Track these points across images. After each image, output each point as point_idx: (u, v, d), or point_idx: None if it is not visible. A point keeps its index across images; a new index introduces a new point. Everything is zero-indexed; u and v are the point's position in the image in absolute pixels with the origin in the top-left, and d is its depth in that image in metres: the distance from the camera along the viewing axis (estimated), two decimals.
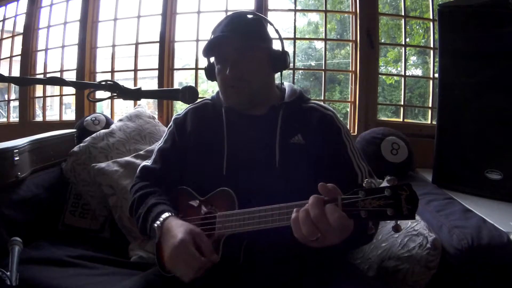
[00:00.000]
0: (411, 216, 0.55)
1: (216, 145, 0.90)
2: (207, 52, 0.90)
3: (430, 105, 1.88)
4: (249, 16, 0.94)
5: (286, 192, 0.82)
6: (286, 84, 1.01)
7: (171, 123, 1.02)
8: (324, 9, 2.02)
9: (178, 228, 0.77)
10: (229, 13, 0.96)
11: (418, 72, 6.00)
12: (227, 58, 0.88)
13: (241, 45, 0.87)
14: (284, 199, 0.74)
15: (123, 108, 3.13)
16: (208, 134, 0.93)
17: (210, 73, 0.96)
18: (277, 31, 0.96)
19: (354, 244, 0.89)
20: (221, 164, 0.88)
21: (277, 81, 1.00)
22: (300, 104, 0.95)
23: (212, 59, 0.95)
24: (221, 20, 0.92)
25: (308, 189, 0.82)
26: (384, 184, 0.58)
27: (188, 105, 1.01)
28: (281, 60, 0.91)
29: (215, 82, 0.96)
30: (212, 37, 0.90)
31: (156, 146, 1.03)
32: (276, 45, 0.95)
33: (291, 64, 1.98)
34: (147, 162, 1.01)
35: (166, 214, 0.82)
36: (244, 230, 0.75)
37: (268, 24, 0.98)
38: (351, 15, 1.90)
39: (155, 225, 0.81)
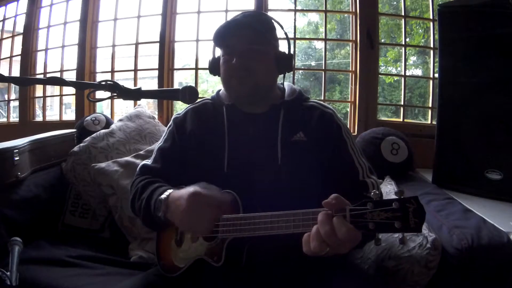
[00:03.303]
0: (418, 229, 0.56)
1: (217, 143, 0.90)
2: (219, 37, 0.90)
3: (430, 105, 1.88)
4: (262, 15, 0.96)
5: (288, 189, 0.82)
6: (285, 84, 1.01)
7: (170, 122, 1.02)
8: (324, 9, 2.02)
9: (184, 189, 0.78)
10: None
11: (418, 72, 6.00)
12: (237, 48, 0.88)
13: (253, 38, 0.88)
14: (286, 197, 0.75)
15: (123, 108, 3.13)
16: (209, 133, 0.93)
17: (214, 67, 0.96)
18: (286, 34, 0.97)
19: (357, 248, 0.89)
20: (222, 162, 0.88)
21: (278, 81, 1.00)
22: (300, 102, 0.96)
23: (217, 54, 0.96)
24: (237, 14, 0.93)
25: (310, 186, 0.82)
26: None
27: (188, 105, 1.01)
28: (286, 62, 0.92)
29: (215, 82, 0.96)
30: (227, 21, 0.89)
31: (156, 145, 1.03)
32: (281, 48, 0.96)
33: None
34: (147, 161, 1.01)
35: (170, 190, 0.82)
36: (248, 235, 0.74)
37: (278, 26, 0.99)
38: (351, 15, 1.90)
39: (161, 197, 0.81)
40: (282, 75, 0.96)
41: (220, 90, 1.02)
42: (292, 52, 0.94)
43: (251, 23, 0.89)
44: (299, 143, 0.88)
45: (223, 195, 0.77)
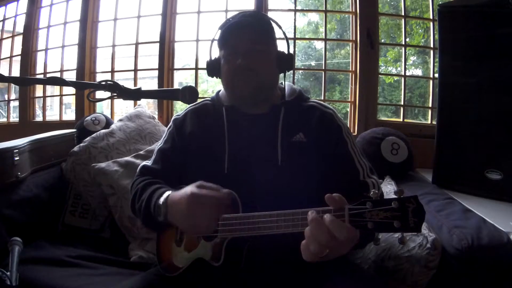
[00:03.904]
0: (417, 229, 0.56)
1: (217, 144, 0.90)
2: (225, 38, 0.90)
3: (430, 105, 1.88)
4: (262, 15, 0.96)
5: (289, 190, 0.82)
6: (286, 84, 1.01)
7: (170, 123, 1.02)
8: (324, 9, 2.02)
9: (182, 191, 0.77)
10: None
11: (418, 72, 6.01)
12: (241, 49, 0.88)
13: (256, 38, 0.88)
14: (286, 197, 0.74)
15: (123, 108, 3.13)
16: (209, 134, 0.93)
17: (213, 68, 0.95)
18: (284, 34, 0.98)
19: (358, 249, 0.89)
20: (223, 163, 0.88)
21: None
22: (300, 103, 0.96)
23: (214, 56, 0.96)
24: (235, 14, 0.93)
25: (310, 187, 0.82)
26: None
27: (187, 106, 1.01)
28: (287, 61, 0.93)
29: (215, 82, 0.96)
30: (230, 22, 0.90)
31: (156, 146, 1.03)
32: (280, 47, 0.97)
33: None
34: (147, 162, 1.01)
35: (169, 192, 0.82)
36: (247, 234, 0.74)
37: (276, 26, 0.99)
38: (351, 15, 1.90)
39: (160, 201, 0.80)
40: (282, 74, 0.96)
41: (219, 91, 1.01)
42: (291, 51, 0.94)
43: (253, 23, 0.89)
44: (299, 144, 0.88)
45: (222, 192, 0.76)
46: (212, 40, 0.96)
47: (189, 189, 0.76)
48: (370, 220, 0.58)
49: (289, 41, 0.97)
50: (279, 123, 0.90)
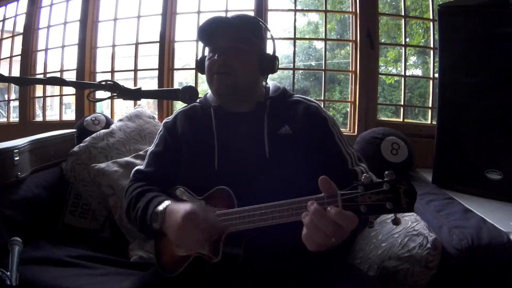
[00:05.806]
0: (409, 209, 0.57)
1: (207, 142, 0.92)
2: (201, 32, 0.92)
3: (430, 105, 1.88)
4: (248, 16, 0.97)
5: (279, 181, 0.84)
6: (270, 83, 1.04)
7: (161, 127, 1.04)
8: (324, 9, 2.02)
9: (185, 204, 0.78)
10: (229, 13, 0.97)
11: (418, 72, 6.01)
12: (219, 46, 0.90)
13: (236, 36, 0.90)
14: (276, 189, 0.76)
15: (123, 108, 3.13)
16: (199, 133, 0.95)
17: (202, 65, 0.97)
18: (272, 36, 0.99)
19: (355, 234, 0.90)
20: (213, 160, 0.90)
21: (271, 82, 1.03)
22: (285, 98, 0.98)
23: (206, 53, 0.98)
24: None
25: (299, 178, 0.84)
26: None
27: (177, 109, 1.03)
28: (270, 64, 0.94)
29: None
30: (210, 19, 0.91)
31: (148, 150, 1.04)
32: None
33: (291, 64, 1.99)
34: (140, 166, 1.02)
35: (168, 202, 0.83)
36: (244, 228, 0.75)
37: (265, 28, 1.00)
38: (351, 15, 1.90)
39: (158, 209, 0.81)
40: (266, 75, 0.98)
41: (207, 93, 1.04)
42: (276, 54, 0.95)
43: (235, 23, 0.91)
44: (285, 136, 0.90)
45: (218, 220, 0.77)
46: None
47: (189, 206, 0.76)
48: (362, 204, 0.59)
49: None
50: (264, 117, 0.92)
